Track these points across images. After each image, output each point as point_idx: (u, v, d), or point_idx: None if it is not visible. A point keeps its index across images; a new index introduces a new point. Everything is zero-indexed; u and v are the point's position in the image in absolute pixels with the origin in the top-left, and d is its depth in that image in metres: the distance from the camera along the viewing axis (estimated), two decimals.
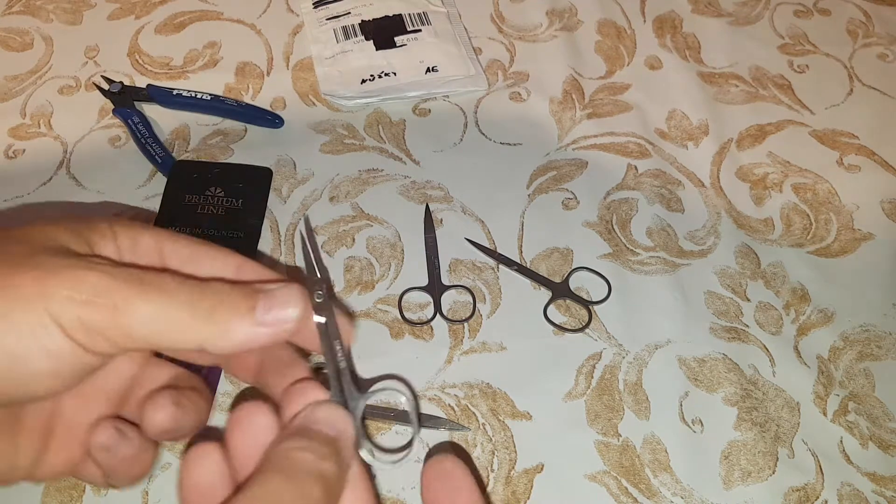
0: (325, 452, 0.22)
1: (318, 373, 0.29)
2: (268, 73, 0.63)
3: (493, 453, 0.45)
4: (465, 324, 0.49)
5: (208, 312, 0.24)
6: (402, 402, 0.42)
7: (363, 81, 0.61)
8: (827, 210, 0.56)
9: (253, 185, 0.55)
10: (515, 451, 0.45)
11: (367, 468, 0.24)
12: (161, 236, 0.27)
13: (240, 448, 0.24)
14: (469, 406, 0.46)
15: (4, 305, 0.22)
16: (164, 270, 0.26)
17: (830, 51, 0.66)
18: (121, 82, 0.61)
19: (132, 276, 0.24)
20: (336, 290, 0.51)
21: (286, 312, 0.25)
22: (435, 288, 0.51)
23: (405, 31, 0.64)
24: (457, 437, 0.45)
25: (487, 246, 0.53)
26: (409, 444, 0.27)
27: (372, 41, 0.64)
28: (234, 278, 0.27)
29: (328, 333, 0.27)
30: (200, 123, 0.60)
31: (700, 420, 0.46)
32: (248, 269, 0.27)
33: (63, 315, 0.22)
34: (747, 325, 0.50)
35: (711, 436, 0.46)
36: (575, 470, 0.44)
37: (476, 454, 0.45)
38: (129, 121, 0.58)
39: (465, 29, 0.66)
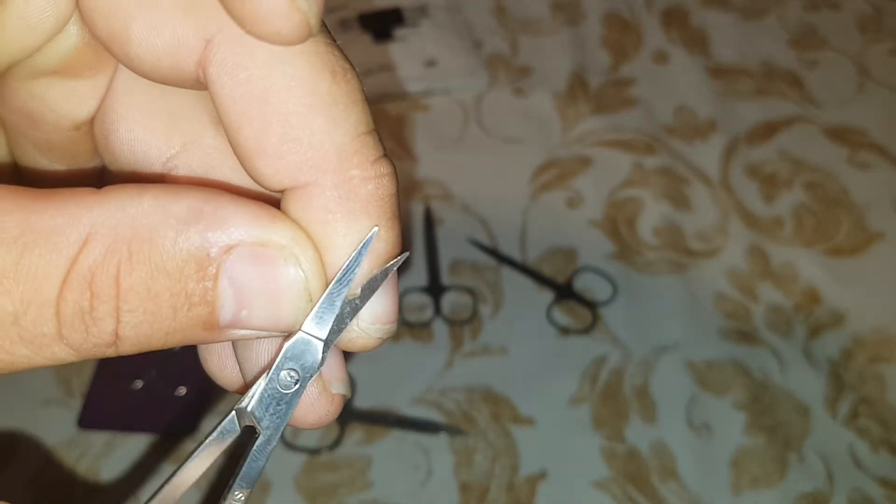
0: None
1: None
2: None
3: (495, 460, 0.44)
4: (466, 326, 0.49)
5: None
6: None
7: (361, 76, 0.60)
8: (837, 208, 0.55)
9: None
10: (518, 458, 0.44)
11: None
12: None
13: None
14: (470, 411, 0.46)
15: None
16: None
17: (841, 46, 0.65)
18: None
19: None
20: None
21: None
22: (435, 288, 0.50)
23: (404, 24, 0.63)
24: (457, 442, 0.44)
25: (489, 245, 0.52)
26: None
27: (370, 34, 0.63)
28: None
29: None
30: None
31: (708, 425, 0.46)
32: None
33: None
34: (756, 328, 0.49)
35: (720, 441, 0.45)
36: (580, 477, 0.44)
37: (477, 460, 0.44)
38: None
39: (466, 22, 0.65)
